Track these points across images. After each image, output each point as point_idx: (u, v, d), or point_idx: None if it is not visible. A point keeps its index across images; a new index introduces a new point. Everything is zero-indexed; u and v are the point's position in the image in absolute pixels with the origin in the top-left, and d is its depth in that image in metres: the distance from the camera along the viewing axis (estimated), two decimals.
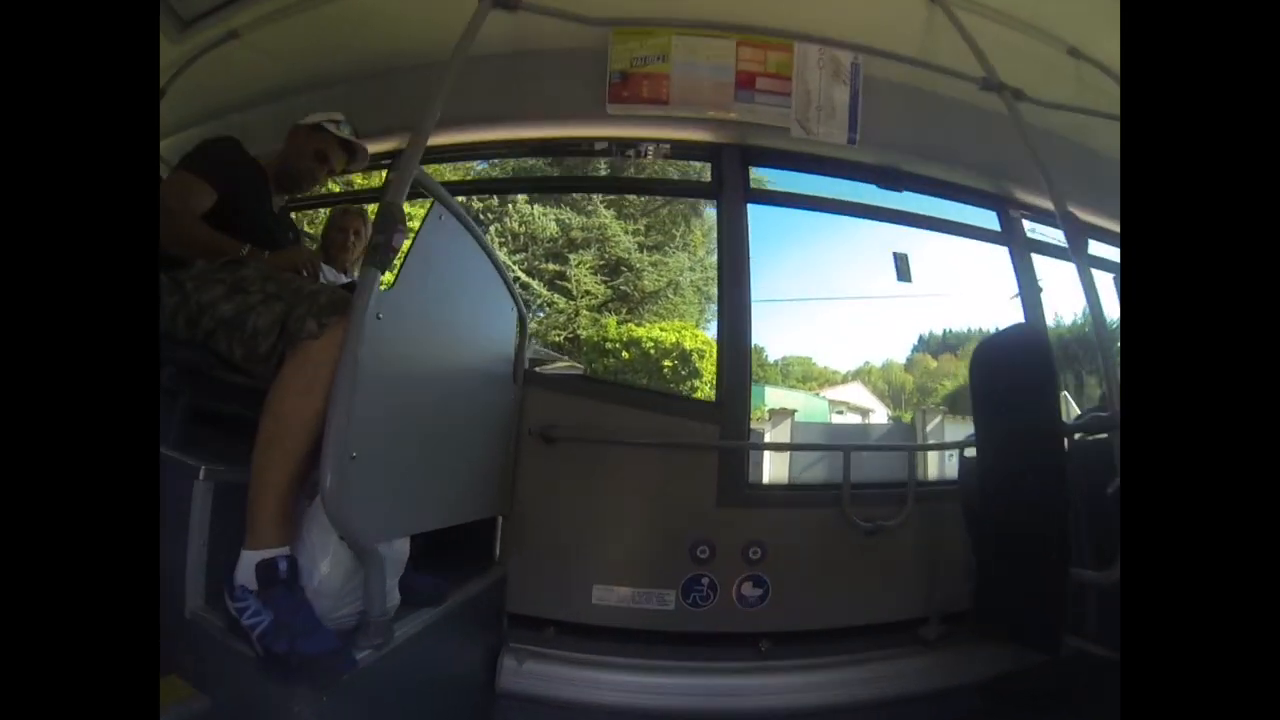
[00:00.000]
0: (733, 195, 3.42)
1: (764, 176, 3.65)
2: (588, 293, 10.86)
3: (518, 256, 10.55)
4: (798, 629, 2.87)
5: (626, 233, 11.39)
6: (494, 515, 2.64)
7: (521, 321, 2.82)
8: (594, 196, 11.22)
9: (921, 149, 3.68)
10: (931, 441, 4.23)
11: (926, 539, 3.09)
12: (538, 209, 10.92)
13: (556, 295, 10.75)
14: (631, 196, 11.41)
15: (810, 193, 3.67)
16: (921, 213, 3.85)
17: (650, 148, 3.59)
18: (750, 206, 3.45)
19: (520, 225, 10.84)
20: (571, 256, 10.89)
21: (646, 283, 11.12)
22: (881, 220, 3.78)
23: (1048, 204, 3.92)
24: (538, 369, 3.05)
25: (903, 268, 3.81)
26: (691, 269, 11.20)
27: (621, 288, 11.07)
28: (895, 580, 3.05)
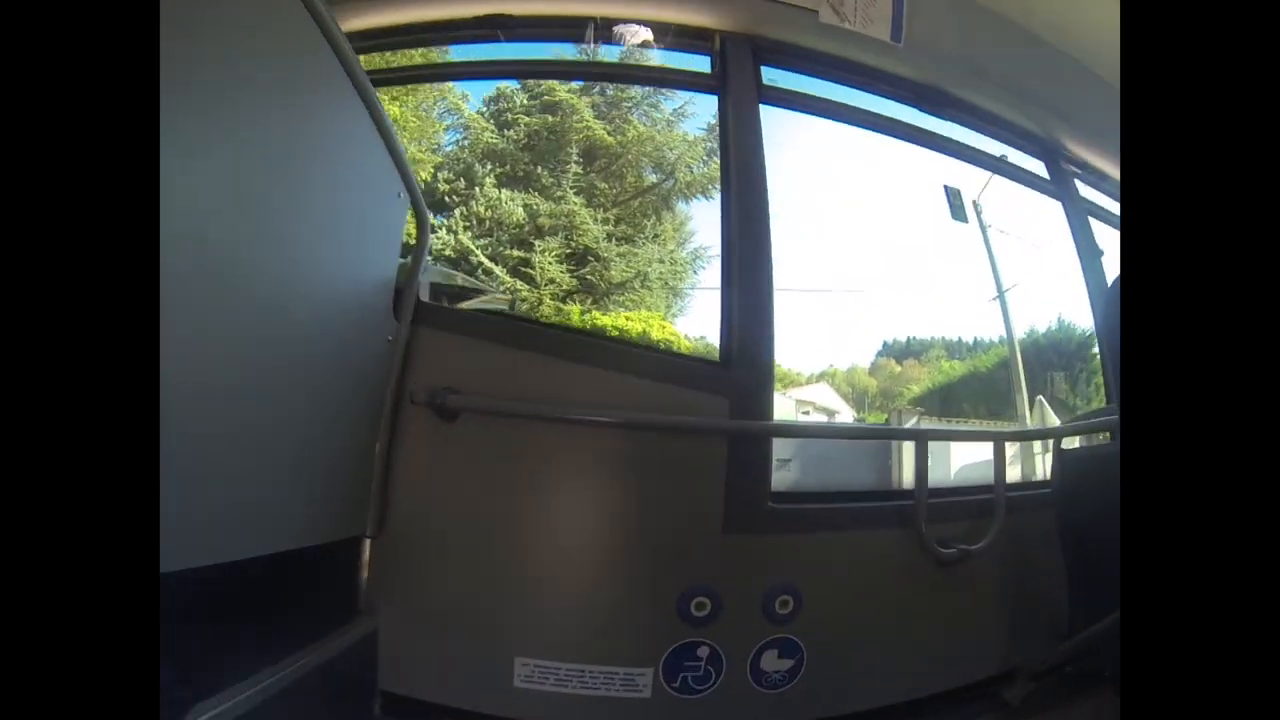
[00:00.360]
0: (741, 92, 2.21)
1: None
2: (552, 281, 9.85)
3: (482, 242, 9.62)
4: (846, 712, 1.70)
5: (595, 221, 10.44)
6: (346, 537, 1.42)
7: (420, 223, 1.64)
8: (563, 183, 10.40)
9: (972, 69, 2.70)
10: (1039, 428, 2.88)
11: (1013, 567, 1.98)
12: (505, 193, 10.04)
13: (520, 283, 9.75)
14: (602, 185, 10.58)
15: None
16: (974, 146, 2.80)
17: (630, 31, 2.45)
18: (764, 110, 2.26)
19: (486, 209, 9.88)
20: (537, 243, 9.88)
21: (614, 273, 10.19)
22: (928, 147, 2.71)
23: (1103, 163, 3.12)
24: (438, 304, 1.78)
25: (956, 204, 2.75)
26: (661, 261, 10.20)
27: (587, 277, 10.09)
28: (975, 626, 1.92)
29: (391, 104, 8.71)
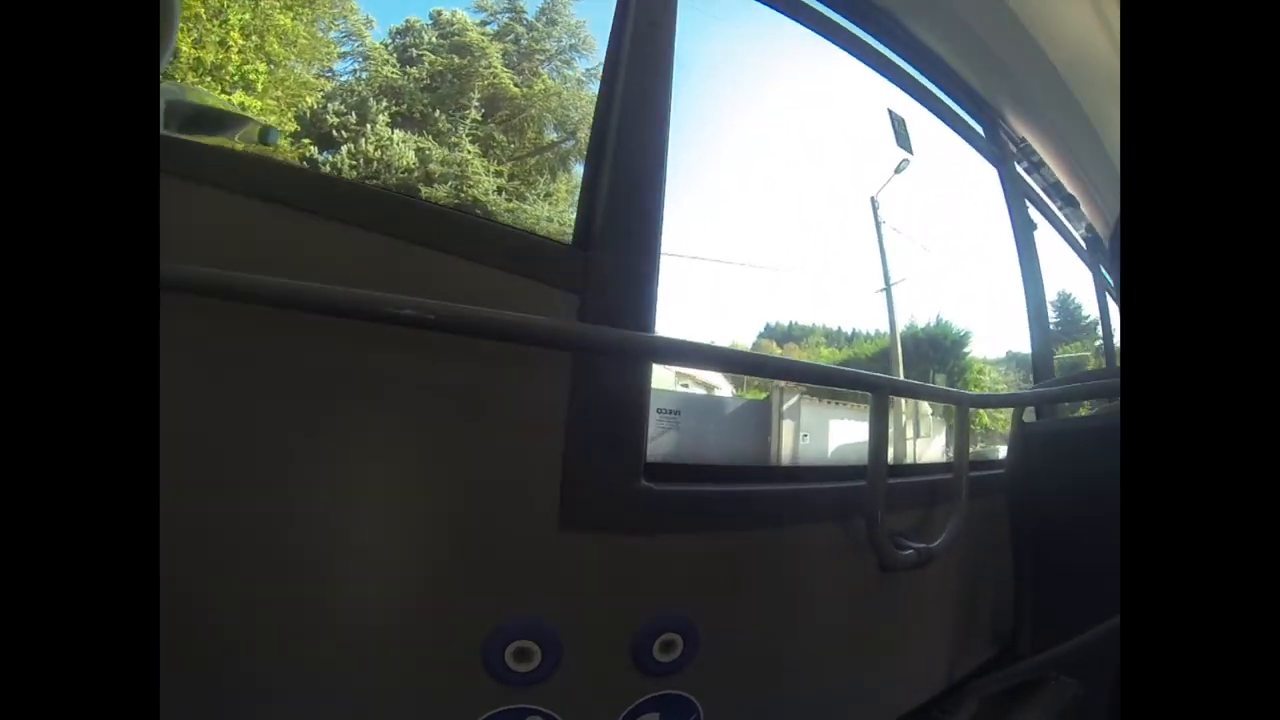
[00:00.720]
0: None
1: None
2: None
3: (368, 184, 8.59)
4: None
5: (488, 174, 9.66)
6: None
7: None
8: (461, 130, 9.70)
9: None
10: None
11: (964, 564, 1.48)
12: (398, 134, 9.12)
13: None
14: (501, 137, 9.94)
15: None
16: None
17: None
18: None
19: (376, 150, 8.87)
20: (424, 190, 9.01)
21: None
22: (879, 71, 2.19)
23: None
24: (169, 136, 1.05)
25: (900, 131, 2.27)
26: (550, 220, 9.62)
27: None
28: (919, 640, 1.40)
29: (283, 13, 7.44)
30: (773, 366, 1.29)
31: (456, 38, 9.81)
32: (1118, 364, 2.85)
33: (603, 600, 0.89)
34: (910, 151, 2.37)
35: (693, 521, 0.97)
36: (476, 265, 0.88)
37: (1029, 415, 1.75)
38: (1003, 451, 1.69)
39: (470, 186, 9.00)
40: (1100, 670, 1.42)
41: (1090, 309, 3.65)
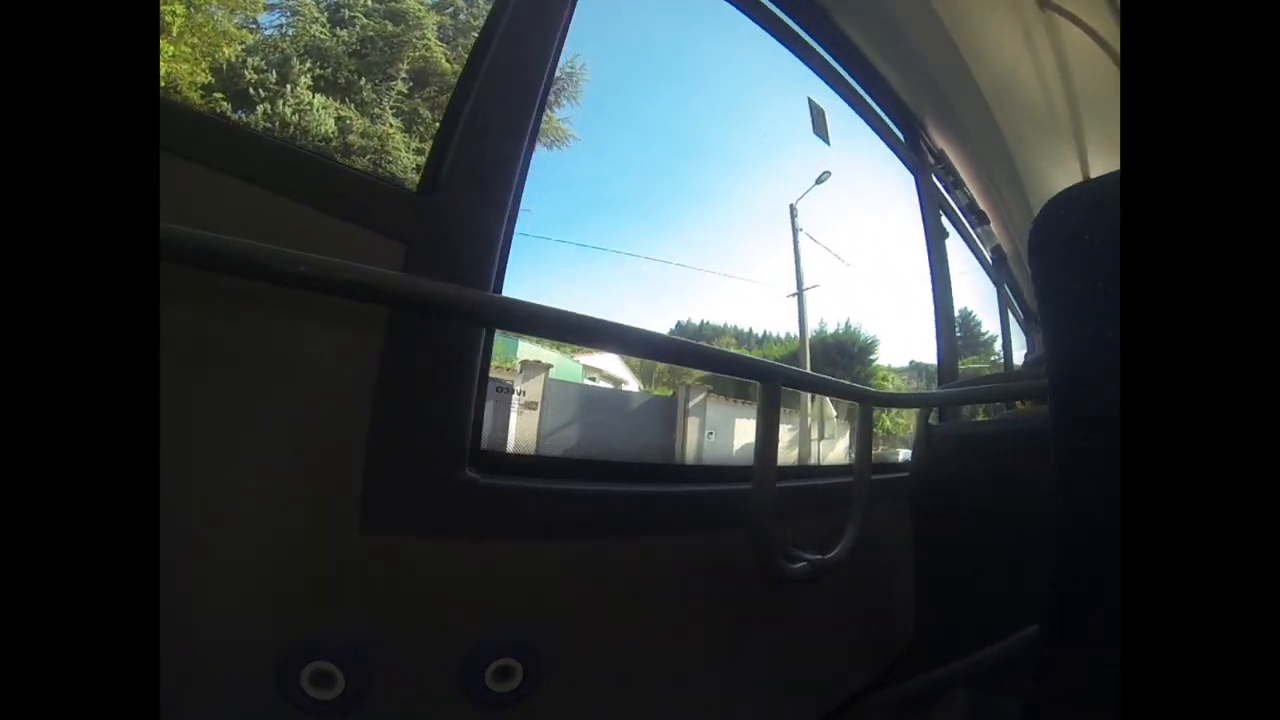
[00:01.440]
0: None
1: None
2: None
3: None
4: None
5: (409, 150, 9.14)
6: None
7: None
8: (385, 102, 9.13)
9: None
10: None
11: (863, 572, 1.37)
12: (319, 99, 8.47)
13: None
14: (426, 113, 9.40)
15: None
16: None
17: None
18: None
19: (294, 114, 8.25)
20: (342, 161, 8.41)
21: None
22: (807, 64, 2.08)
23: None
24: None
25: (819, 121, 2.18)
26: None
27: None
28: (811, 655, 1.27)
29: None
30: (642, 343, 0.97)
31: (393, 3, 9.26)
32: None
33: (420, 617, 0.72)
34: (827, 142, 2.29)
35: (535, 524, 0.80)
36: (283, 199, 0.69)
37: (933, 419, 1.69)
38: (905, 454, 1.63)
39: (389, 163, 8.54)
40: (1008, 681, 1.36)
41: (991, 325, 3.72)
